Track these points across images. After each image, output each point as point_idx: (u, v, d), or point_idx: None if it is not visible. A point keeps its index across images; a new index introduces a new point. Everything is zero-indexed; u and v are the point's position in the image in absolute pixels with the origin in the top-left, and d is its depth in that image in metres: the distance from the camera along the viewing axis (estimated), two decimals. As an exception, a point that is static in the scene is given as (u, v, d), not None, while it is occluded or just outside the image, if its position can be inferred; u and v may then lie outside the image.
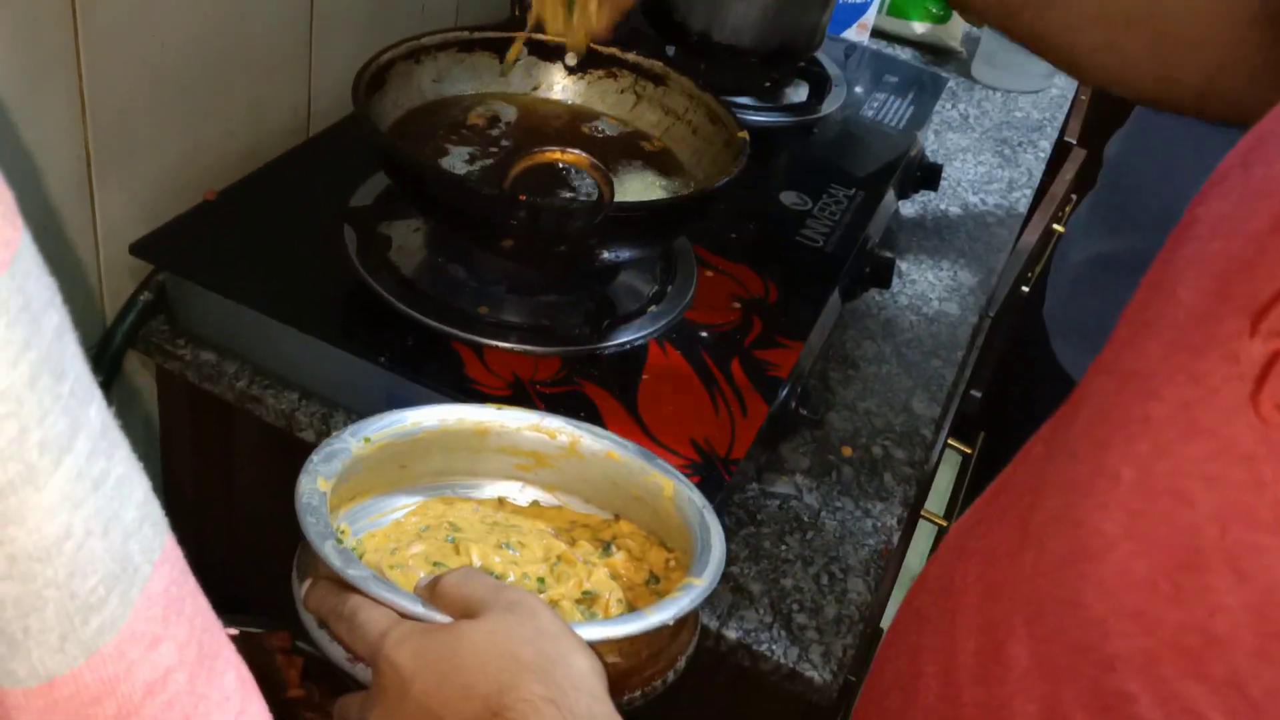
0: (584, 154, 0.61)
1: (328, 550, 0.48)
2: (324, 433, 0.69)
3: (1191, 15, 0.52)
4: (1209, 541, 0.26)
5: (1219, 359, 0.27)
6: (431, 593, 0.46)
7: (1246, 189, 0.31)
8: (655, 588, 0.57)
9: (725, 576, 0.66)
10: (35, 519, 0.26)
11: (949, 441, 0.92)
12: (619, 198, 0.73)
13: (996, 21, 0.62)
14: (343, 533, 0.56)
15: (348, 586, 0.47)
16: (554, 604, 0.55)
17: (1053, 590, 0.32)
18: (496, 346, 0.69)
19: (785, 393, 0.72)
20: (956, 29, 1.35)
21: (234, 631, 0.67)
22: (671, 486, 0.58)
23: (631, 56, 0.82)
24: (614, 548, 0.58)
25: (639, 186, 0.77)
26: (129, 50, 0.68)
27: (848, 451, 0.78)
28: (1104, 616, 0.29)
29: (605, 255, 0.70)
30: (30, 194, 0.65)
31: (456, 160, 0.74)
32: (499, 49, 0.81)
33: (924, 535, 0.98)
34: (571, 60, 0.83)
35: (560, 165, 0.67)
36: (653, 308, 0.75)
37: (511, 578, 0.56)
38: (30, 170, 0.64)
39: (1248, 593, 0.26)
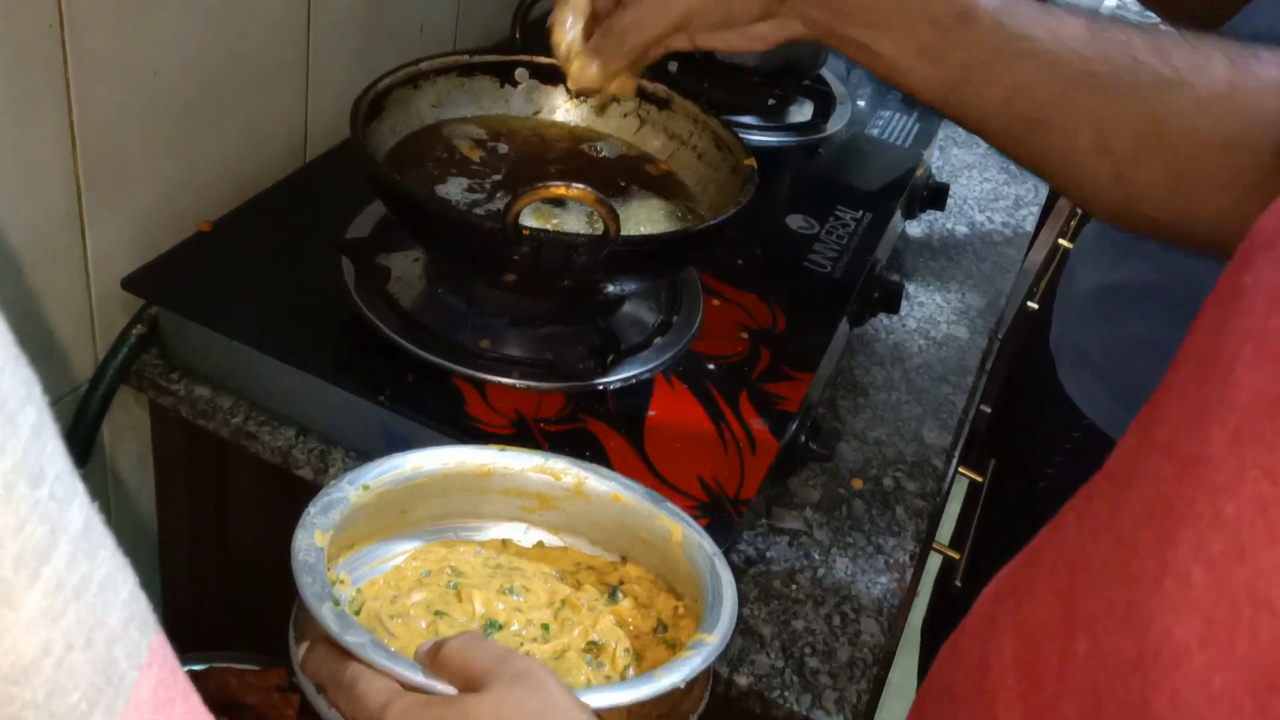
0: (589, 189, 0.59)
1: (325, 614, 0.46)
2: (321, 470, 0.68)
3: (1209, 148, 0.48)
4: None
5: None
6: (433, 660, 0.44)
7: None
8: (664, 636, 0.55)
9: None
10: (11, 639, 0.24)
11: (960, 470, 0.90)
12: (624, 224, 0.72)
13: (1000, 146, 0.58)
14: (341, 582, 0.54)
15: (347, 652, 0.45)
16: (559, 654, 0.53)
17: (1115, 690, 0.30)
18: (499, 383, 0.67)
19: (795, 427, 0.71)
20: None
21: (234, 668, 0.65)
22: (680, 531, 0.56)
23: (635, 80, 0.80)
24: (620, 593, 0.56)
25: (644, 213, 0.75)
26: (120, 79, 0.66)
27: (858, 484, 0.76)
28: None
29: (610, 288, 0.68)
30: (20, 227, 0.63)
31: (457, 188, 0.72)
32: (499, 73, 0.80)
33: (934, 569, 0.97)
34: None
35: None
36: (659, 339, 0.73)
37: (515, 625, 0.54)
38: (20, 203, 0.63)
39: None
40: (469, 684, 0.42)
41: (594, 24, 0.58)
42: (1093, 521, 0.33)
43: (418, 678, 0.43)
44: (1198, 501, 0.27)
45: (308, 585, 0.47)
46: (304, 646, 0.47)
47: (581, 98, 0.80)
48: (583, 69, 0.57)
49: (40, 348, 0.68)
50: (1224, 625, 0.26)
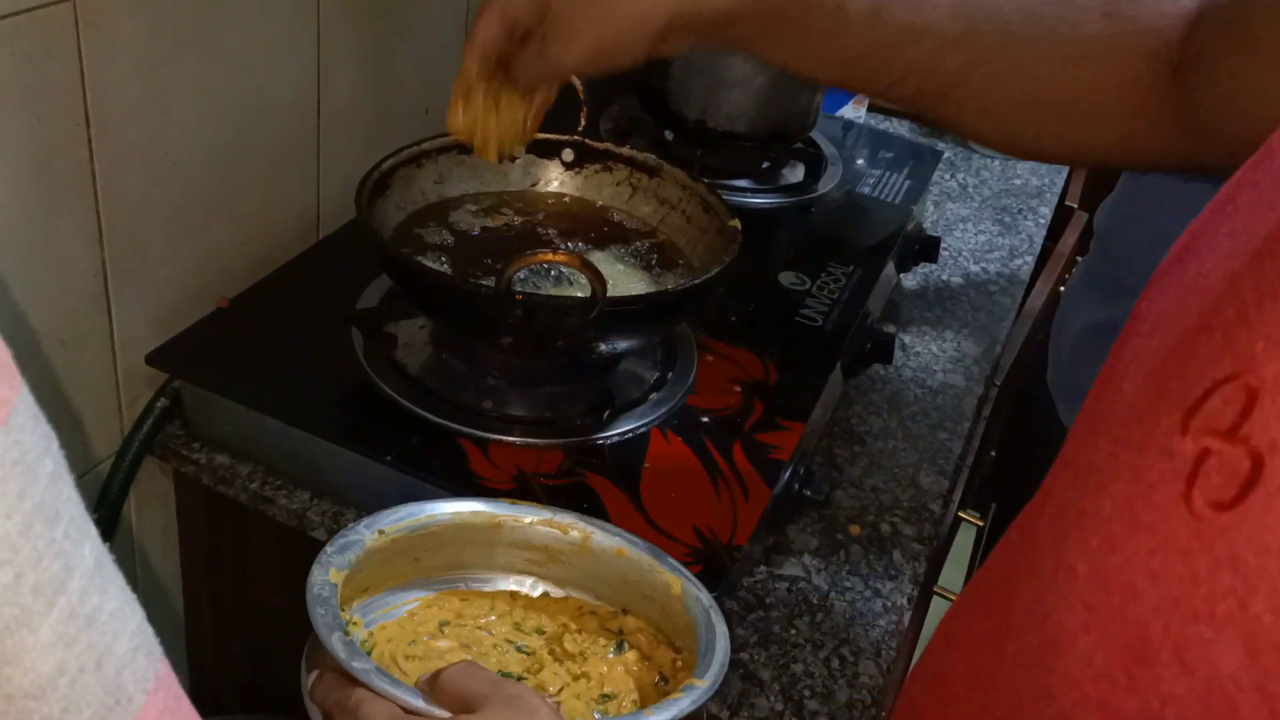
0: (575, 254, 0.63)
1: (334, 642, 0.49)
2: (335, 531, 0.71)
3: (1088, 90, 0.51)
4: (1156, 634, 0.27)
5: (1156, 455, 0.28)
6: (432, 687, 0.47)
7: (1182, 285, 0.32)
8: (663, 688, 0.57)
9: (734, 663, 0.66)
10: (30, 659, 0.27)
11: (960, 514, 0.92)
12: (619, 286, 0.75)
13: (909, 111, 0.63)
14: (354, 624, 0.57)
15: (353, 679, 0.48)
16: (571, 705, 0.55)
17: (1027, 682, 0.32)
18: (500, 441, 0.70)
19: (787, 475, 0.73)
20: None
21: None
22: (679, 584, 0.58)
23: (626, 151, 0.85)
24: (626, 645, 0.59)
25: (637, 276, 0.78)
26: (142, 170, 0.71)
27: (856, 530, 0.78)
28: (1071, 709, 0.30)
29: (603, 347, 0.71)
30: (51, 310, 0.68)
31: (459, 259, 0.76)
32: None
33: (939, 612, 0.98)
34: (568, 156, 0.85)
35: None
36: (654, 395, 0.76)
37: (525, 675, 0.56)
38: (51, 288, 0.67)
39: (1193, 683, 0.26)
40: (465, 708, 0.45)
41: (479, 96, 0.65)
42: (1021, 535, 0.36)
43: (418, 702, 0.46)
44: (1084, 503, 0.30)
45: (320, 617, 0.50)
46: (314, 675, 0.50)
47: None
48: (482, 146, 0.67)
49: (69, 422, 0.72)
50: (1100, 610, 0.28)
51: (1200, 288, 0.30)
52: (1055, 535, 0.32)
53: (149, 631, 0.32)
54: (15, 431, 0.27)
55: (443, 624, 0.59)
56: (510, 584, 0.62)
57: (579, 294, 0.71)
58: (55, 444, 0.30)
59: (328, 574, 0.53)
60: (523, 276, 0.73)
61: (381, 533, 0.57)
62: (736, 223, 0.76)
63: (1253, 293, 0.28)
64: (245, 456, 0.74)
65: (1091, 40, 0.51)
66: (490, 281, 0.64)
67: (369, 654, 0.55)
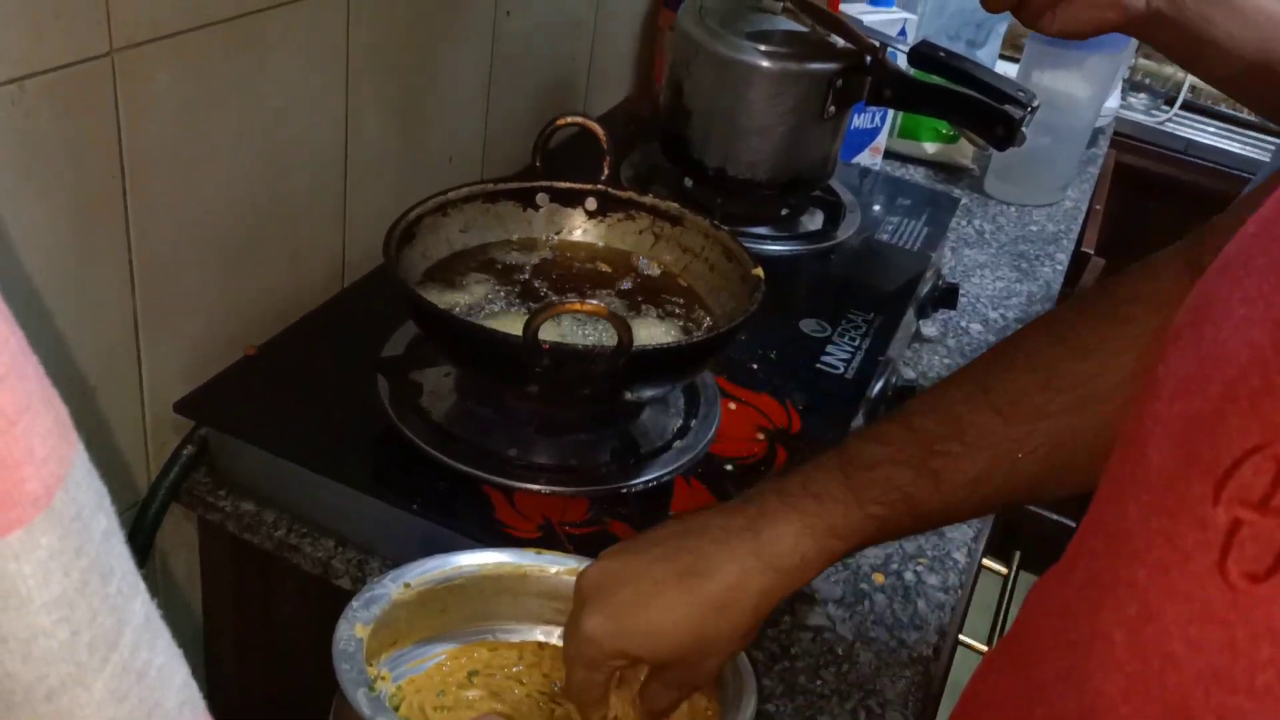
0: (601, 304, 0.63)
1: (360, 698, 0.49)
2: (359, 579, 0.71)
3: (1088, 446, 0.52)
4: (1197, 703, 0.27)
5: (1190, 524, 0.28)
6: None
7: (1200, 350, 0.32)
8: None
9: (762, 714, 0.65)
10: (84, 714, 0.28)
11: (984, 562, 0.92)
12: (643, 334, 0.76)
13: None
14: (382, 678, 0.57)
15: None
16: None
17: None
18: (526, 489, 0.70)
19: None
20: (966, 148, 1.38)
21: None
22: None
23: (649, 199, 0.86)
24: None
25: (661, 324, 0.79)
26: (175, 219, 0.72)
27: (880, 579, 0.78)
28: None
29: (628, 395, 0.72)
30: (82, 358, 0.69)
31: (485, 306, 0.77)
32: (522, 198, 0.85)
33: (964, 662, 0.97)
34: (592, 205, 0.86)
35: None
36: (678, 443, 0.76)
37: None
38: (82, 336, 0.68)
39: None
40: None
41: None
42: (1047, 600, 0.35)
43: None
44: (1118, 571, 0.30)
45: (345, 672, 0.50)
46: None
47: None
48: None
49: (97, 470, 0.72)
50: (1139, 678, 0.28)
51: (1221, 353, 0.31)
52: (1090, 602, 0.32)
53: (193, 686, 0.32)
54: (73, 489, 0.27)
55: (471, 674, 0.59)
56: (538, 634, 0.62)
57: (604, 342, 0.71)
58: (108, 499, 0.30)
59: (353, 629, 0.53)
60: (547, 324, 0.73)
61: (407, 586, 0.57)
62: (759, 271, 0.77)
63: (1277, 361, 0.28)
64: (270, 504, 0.74)
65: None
66: (517, 330, 0.64)
67: (397, 708, 0.55)
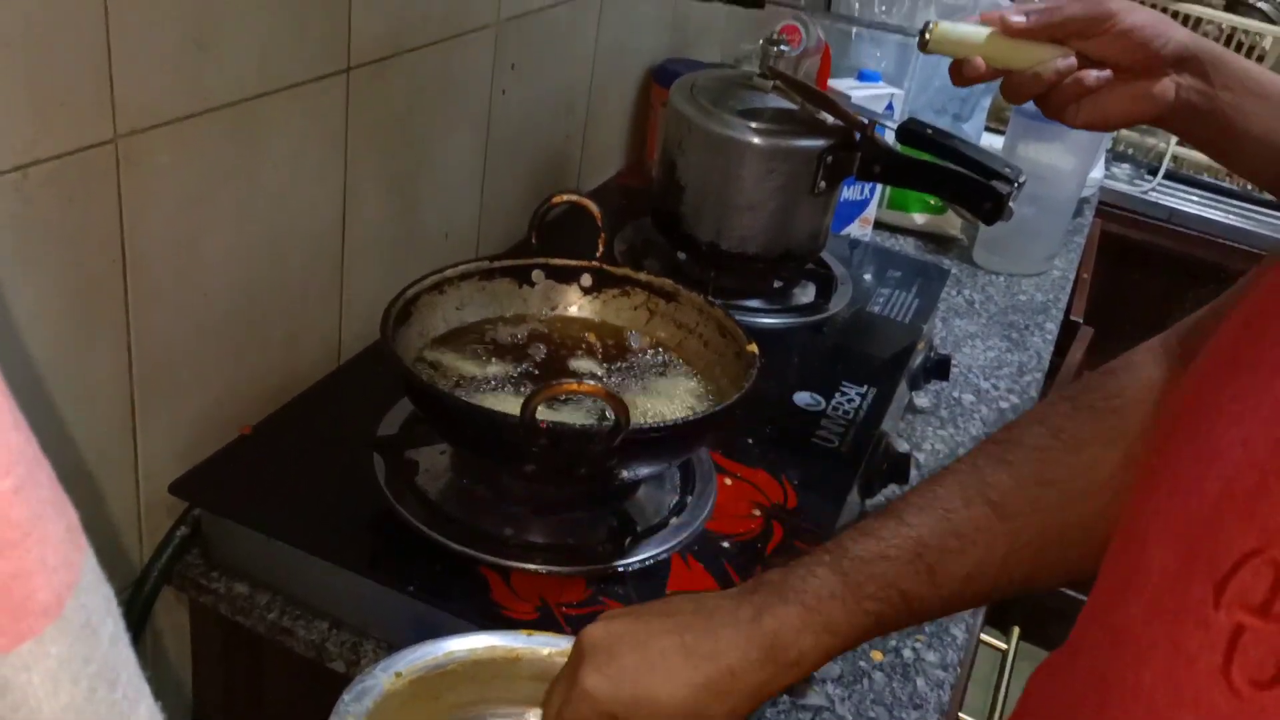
0: (598, 384, 0.64)
1: None
2: (353, 662, 0.70)
3: (1085, 514, 0.53)
4: None
5: (1193, 626, 0.28)
6: None
7: (1194, 448, 0.32)
8: None
9: (761, 799, 0.64)
10: None
11: (982, 637, 0.91)
12: (640, 411, 0.76)
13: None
14: None
15: None
16: None
17: None
18: (522, 569, 0.70)
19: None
20: (955, 219, 1.40)
21: None
22: None
23: (644, 276, 0.87)
24: None
25: (658, 400, 0.79)
26: (174, 302, 0.73)
27: (878, 656, 0.77)
28: None
29: (625, 474, 0.72)
30: (78, 441, 0.68)
31: (482, 384, 0.77)
32: (517, 275, 0.86)
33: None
34: (587, 281, 0.87)
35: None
36: (674, 520, 0.76)
37: None
38: (79, 419, 0.68)
39: None
40: None
41: None
42: (1052, 691, 0.35)
43: None
44: (1123, 671, 0.30)
45: None
46: None
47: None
48: None
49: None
50: None
51: (1215, 451, 0.31)
52: (1096, 700, 0.32)
53: None
54: (83, 595, 0.27)
55: None
56: (534, 717, 0.61)
57: (599, 420, 0.72)
58: (114, 602, 0.30)
59: None
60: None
61: (398, 675, 0.57)
62: (754, 347, 0.78)
63: (1272, 463, 0.28)
64: (264, 585, 0.73)
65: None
66: (513, 408, 0.65)
67: None
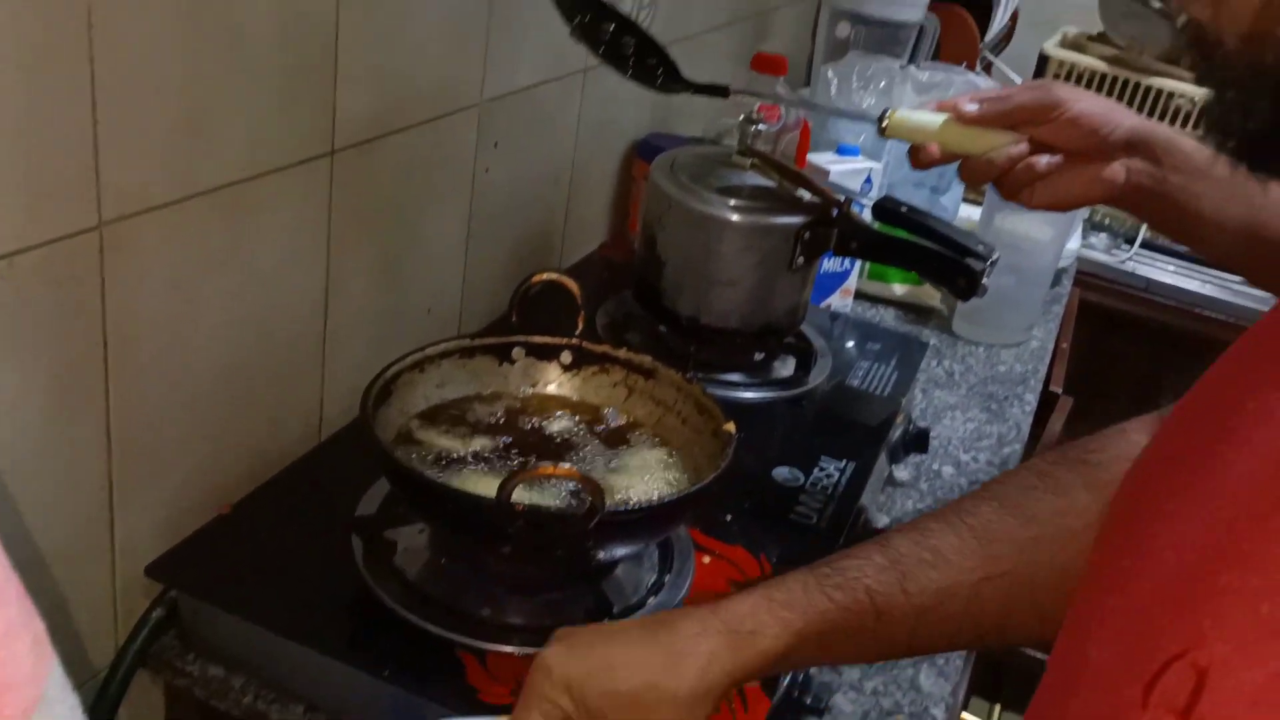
0: (574, 467, 0.64)
1: None
2: (328, 747, 0.69)
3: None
4: None
5: None
6: None
7: (1131, 544, 0.33)
8: None
9: None
10: None
11: (964, 716, 0.90)
12: (618, 489, 0.76)
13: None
14: None
15: None
16: None
17: None
18: (499, 651, 0.70)
19: (786, 682, 0.72)
20: (934, 290, 1.42)
21: None
22: None
23: (623, 353, 0.88)
24: None
25: (636, 478, 0.80)
26: (156, 384, 0.73)
27: (857, 736, 0.77)
28: None
29: (601, 555, 0.72)
30: (54, 524, 0.68)
31: (462, 463, 0.78)
32: (498, 352, 0.87)
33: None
34: (566, 359, 0.88)
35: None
36: (652, 599, 0.76)
37: None
38: (56, 503, 0.68)
39: None
40: None
41: None
42: None
43: None
44: None
45: None
46: None
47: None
48: None
49: (63, 637, 0.71)
50: None
51: (1149, 550, 0.32)
52: None
53: None
54: (47, 708, 0.28)
55: None
56: None
57: (576, 502, 0.72)
58: (79, 710, 0.30)
59: None
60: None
61: None
62: (731, 426, 0.78)
63: (1199, 566, 0.29)
64: (239, 668, 0.73)
65: (1086, 512, 0.55)
66: (493, 489, 0.65)
67: None
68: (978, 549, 0.55)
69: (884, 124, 0.85)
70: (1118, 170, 0.82)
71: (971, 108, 0.82)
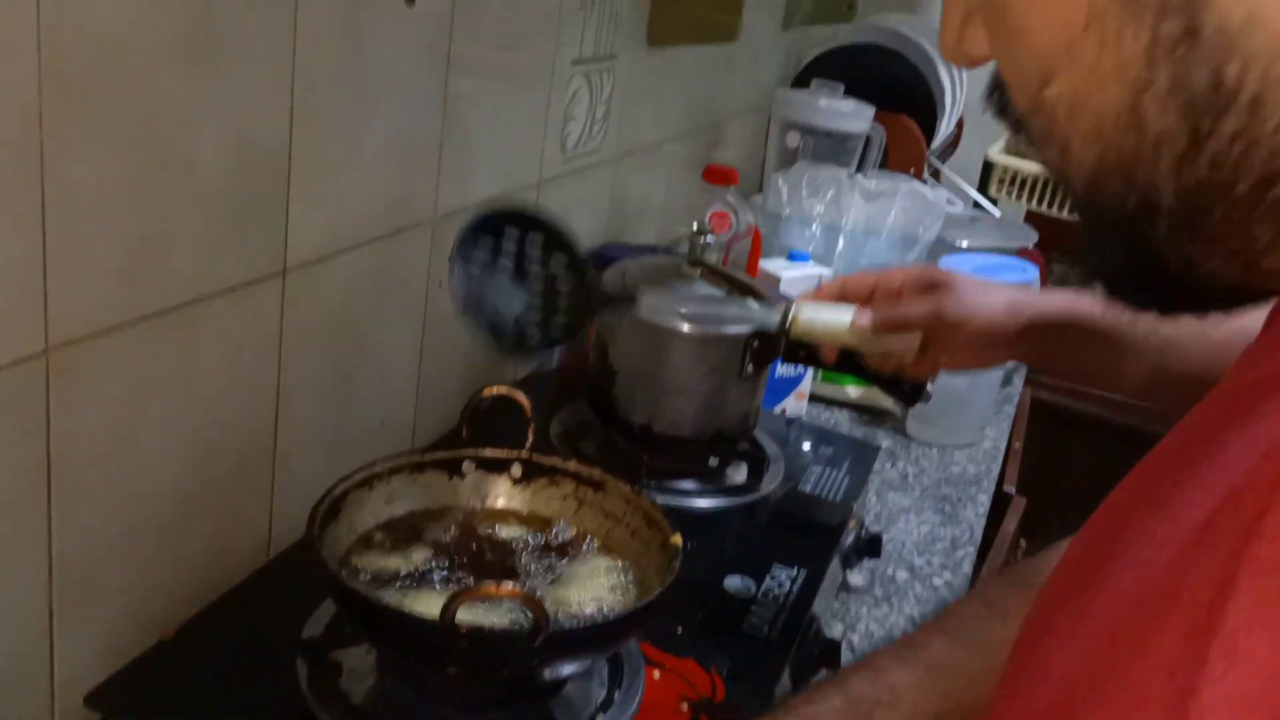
0: (517, 587, 0.64)
1: None
2: None
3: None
4: None
5: None
6: None
7: (1030, 658, 0.34)
8: None
9: None
10: None
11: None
12: (567, 603, 0.76)
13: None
14: None
15: None
16: None
17: None
18: (443, 777, 0.69)
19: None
20: (887, 392, 1.45)
21: None
22: None
23: (572, 466, 0.88)
24: None
25: (585, 590, 0.80)
26: (99, 507, 0.73)
27: None
28: None
29: (548, 674, 0.71)
30: (-11, 652, 0.67)
31: (409, 581, 0.77)
32: (448, 467, 0.87)
33: None
34: (516, 472, 0.89)
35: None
36: (601, 716, 0.75)
37: None
38: (-9, 630, 0.67)
39: None
40: None
41: None
42: None
43: None
44: None
45: None
46: None
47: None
48: None
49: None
50: None
51: (1044, 666, 0.33)
52: None
53: None
54: None
55: None
56: None
57: (524, 619, 0.72)
58: None
59: None
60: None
61: None
62: (678, 539, 0.79)
63: (1078, 688, 0.30)
64: (178, 799, 0.71)
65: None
66: (439, 607, 0.65)
67: None
68: (932, 684, 0.56)
69: (788, 324, 0.94)
70: (1016, 348, 0.89)
71: (865, 322, 0.89)
